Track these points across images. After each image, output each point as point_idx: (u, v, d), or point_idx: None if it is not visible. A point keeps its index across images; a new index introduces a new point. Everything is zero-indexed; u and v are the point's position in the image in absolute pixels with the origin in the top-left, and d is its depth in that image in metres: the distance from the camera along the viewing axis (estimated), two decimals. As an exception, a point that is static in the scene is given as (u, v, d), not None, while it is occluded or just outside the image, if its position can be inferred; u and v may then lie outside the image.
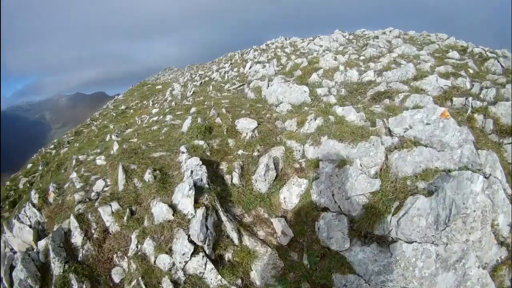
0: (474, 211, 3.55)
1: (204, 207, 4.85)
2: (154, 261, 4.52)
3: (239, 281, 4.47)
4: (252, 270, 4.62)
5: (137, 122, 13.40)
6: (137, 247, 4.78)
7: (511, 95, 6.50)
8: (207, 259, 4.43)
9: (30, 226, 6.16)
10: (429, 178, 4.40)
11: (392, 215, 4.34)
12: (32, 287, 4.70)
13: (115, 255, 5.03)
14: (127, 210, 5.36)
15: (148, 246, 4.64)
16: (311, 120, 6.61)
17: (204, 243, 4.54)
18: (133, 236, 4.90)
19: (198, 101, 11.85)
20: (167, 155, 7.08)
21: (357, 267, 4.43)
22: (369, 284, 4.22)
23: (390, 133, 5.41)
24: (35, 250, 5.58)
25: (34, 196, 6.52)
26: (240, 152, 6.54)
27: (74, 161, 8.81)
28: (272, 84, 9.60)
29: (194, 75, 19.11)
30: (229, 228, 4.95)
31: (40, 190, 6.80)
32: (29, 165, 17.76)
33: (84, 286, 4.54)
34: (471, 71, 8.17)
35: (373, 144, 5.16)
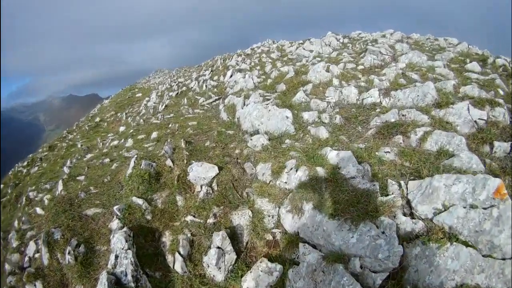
0: None
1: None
2: None
3: None
4: None
5: (99, 145, 11.41)
6: None
7: None
8: None
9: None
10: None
11: None
12: None
13: None
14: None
15: None
16: (291, 169, 4.62)
17: None
18: None
19: (165, 121, 9.88)
20: (101, 214, 5.38)
21: None
22: None
23: (410, 209, 3.43)
24: None
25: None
26: (189, 218, 4.56)
27: (24, 199, 7.97)
28: (248, 103, 7.61)
29: (173, 83, 17.05)
30: None
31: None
32: (1, 185, 15.71)
33: None
34: (501, 92, 6.16)
35: (383, 232, 3.19)
